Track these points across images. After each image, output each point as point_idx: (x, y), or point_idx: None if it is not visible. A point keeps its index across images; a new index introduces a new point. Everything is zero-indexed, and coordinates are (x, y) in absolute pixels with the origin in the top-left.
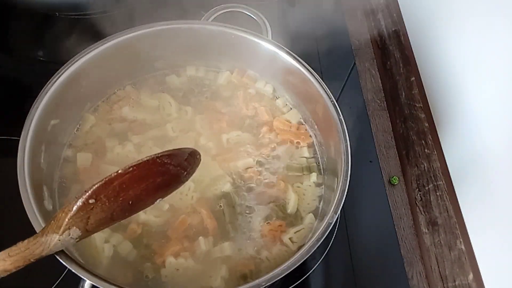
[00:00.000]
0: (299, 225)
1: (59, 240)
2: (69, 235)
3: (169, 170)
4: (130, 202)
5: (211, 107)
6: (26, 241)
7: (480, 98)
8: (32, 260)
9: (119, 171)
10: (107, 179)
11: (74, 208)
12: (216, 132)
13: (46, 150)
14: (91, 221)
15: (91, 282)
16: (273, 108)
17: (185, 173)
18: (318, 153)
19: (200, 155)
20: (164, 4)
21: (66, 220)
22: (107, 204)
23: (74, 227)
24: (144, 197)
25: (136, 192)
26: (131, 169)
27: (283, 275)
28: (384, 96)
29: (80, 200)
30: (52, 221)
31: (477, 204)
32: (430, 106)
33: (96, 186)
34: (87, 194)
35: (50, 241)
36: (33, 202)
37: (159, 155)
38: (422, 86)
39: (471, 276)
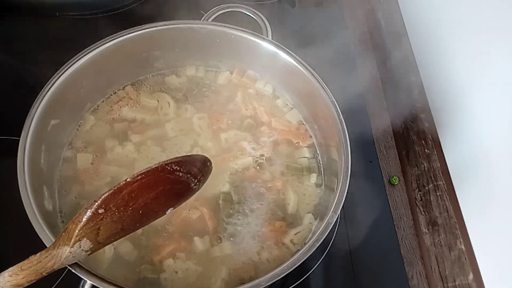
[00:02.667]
0: (299, 226)
1: (70, 253)
2: (80, 247)
3: (179, 177)
4: (140, 212)
5: (210, 107)
6: (38, 254)
7: (480, 97)
8: (44, 273)
9: (128, 179)
10: (115, 188)
11: (84, 219)
12: (216, 132)
13: (46, 150)
14: (101, 232)
15: (92, 283)
16: (273, 108)
17: (195, 181)
18: (318, 153)
19: (211, 163)
20: (164, 4)
21: (76, 231)
22: (117, 213)
23: (85, 239)
24: (154, 206)
25: (145, 201)
26: (139, 177)
27: (283, 275)
28: (384, 96)
29: (89, 210)
30: (63, 233)
31: (477, 204)
32: (430, 106)
33: (105, 195)
34: (96, 203)
35: (61, 253)
36: (33, 202)
37: (168, 162)
38: (422, 86)
39: (471, 276)
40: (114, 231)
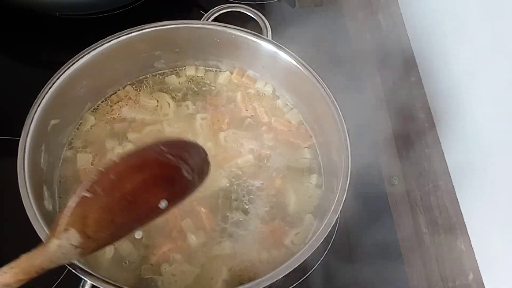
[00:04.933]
0: (299, 226)
1: (58, 246)
2: (68, 239)
3: (168, 160)
4: (129, 199)
5: (210, 107)
6: (30, 252)
7: (480, 98)
8: (34, 272)
9: (115, 161)
10: (102, 170)
11: (70, 204)
12: (216, 132)
13: (46, 150)
14: (90, 222)
15: (92, 283)
16: (273, 108)
17: (189, 169)
18: (318, 153)
19: (206, 153)
20: (164, 4)
21: (61, 219)
22: (104, 198)
23: (73, 229)
24: (144, 193)
25: (134, 186)
26: (126, 157)
27: (283, 275)
28: (384, 96)
29: (75, 195)
30: (52, 225)
31: (477, 204)
32: (430, 106)
33: (90, 178)
34: (81, 187)
35: (49, 248)
36: (33, 202)
37: (155, 142)
38: (422, 86)
39: (471, 276)
40: (104, 223)
